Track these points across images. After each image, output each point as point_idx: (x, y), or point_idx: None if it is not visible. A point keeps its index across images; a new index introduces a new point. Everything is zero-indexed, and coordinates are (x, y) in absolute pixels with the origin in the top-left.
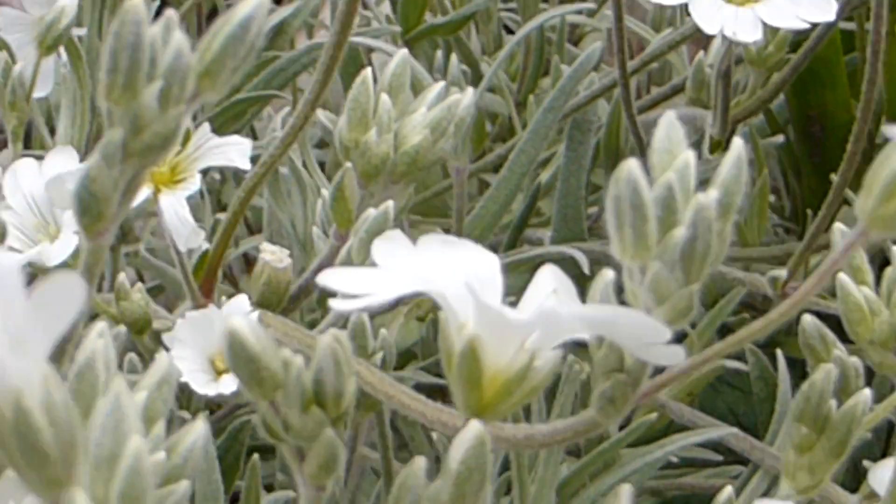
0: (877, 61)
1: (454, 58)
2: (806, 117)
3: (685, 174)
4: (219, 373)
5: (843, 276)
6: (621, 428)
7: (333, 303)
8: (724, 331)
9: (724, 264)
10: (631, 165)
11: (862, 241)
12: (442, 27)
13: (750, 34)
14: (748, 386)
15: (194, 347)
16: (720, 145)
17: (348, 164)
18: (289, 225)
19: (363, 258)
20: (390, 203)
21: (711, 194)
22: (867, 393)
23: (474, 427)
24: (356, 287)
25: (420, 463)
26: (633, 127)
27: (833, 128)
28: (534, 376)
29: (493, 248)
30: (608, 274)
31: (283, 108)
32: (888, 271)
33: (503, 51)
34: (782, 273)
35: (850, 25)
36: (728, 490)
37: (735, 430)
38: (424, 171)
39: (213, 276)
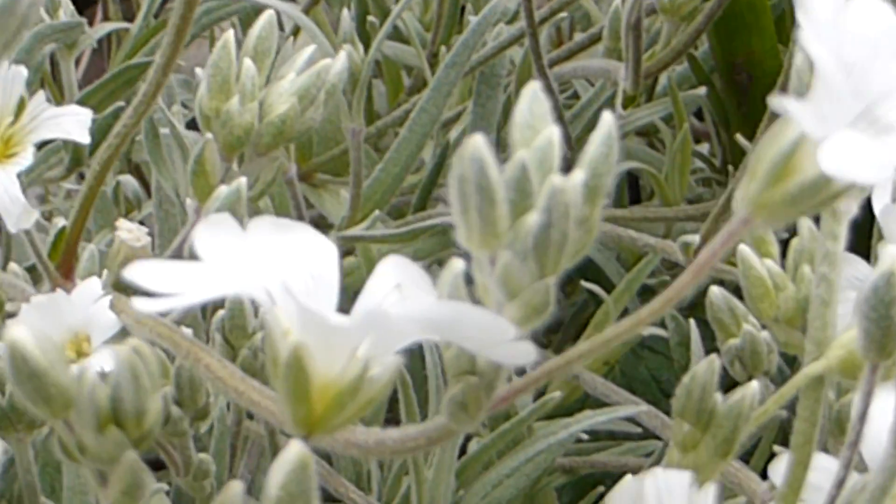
0: None
1: (346, 13)
2: (731, 65)
3: (546, 153)
4: (72, 361)
5: (744, 248)
6: (537, 398)
7: (135, 302)
8: (646, 292)
9: (643, 225)
10: (477, 141)
11: (744, 231)
12: None
13: None
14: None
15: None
16: (635, 100)
17: (209, 135)
18: (173, 193)
19: None
20: (243, 180)
21: (575, 176)
22: (755, 385)
23: (295, 449)
24: (165, 285)
25: (236, 488)
26: (545, 79)
27: (761, 76)
28: (369, 387)
29: (403, 209)
30: (457, 265)
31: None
32: (794, 242)
33: None
34: (695, 239)
35: None
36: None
37: (645, 407)
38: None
39: (72, 255)
